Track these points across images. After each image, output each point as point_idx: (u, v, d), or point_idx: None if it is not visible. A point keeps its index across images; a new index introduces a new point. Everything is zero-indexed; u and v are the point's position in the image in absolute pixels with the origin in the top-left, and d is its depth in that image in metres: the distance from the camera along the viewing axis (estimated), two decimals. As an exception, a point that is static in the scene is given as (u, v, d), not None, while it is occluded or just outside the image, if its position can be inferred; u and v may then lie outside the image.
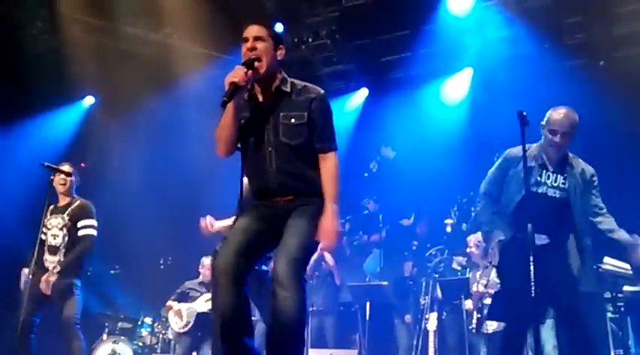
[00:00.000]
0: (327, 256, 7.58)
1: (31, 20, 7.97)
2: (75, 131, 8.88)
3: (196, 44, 8.82)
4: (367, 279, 8.13)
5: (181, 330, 7.31)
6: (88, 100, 9.20)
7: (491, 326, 6.24)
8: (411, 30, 8.52)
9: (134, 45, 8.66)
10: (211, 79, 8.25)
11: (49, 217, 5.63)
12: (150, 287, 8.00)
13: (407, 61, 9.01)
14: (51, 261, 5.51)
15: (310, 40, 8.81)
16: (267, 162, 3.11)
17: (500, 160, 4.44)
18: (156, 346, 7.54)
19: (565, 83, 7.39)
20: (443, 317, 6.88)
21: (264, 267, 4.49)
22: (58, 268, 5.43)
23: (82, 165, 6.36)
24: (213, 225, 4.97)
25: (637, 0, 7.43)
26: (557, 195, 4.19)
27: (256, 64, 3.08)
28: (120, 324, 7.62)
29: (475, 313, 6.43)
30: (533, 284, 3.64)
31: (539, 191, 4.19)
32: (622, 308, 5.25)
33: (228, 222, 4.82)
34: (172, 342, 7.45)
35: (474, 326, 6.42)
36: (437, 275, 7.01)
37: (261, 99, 3.21)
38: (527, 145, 3.98)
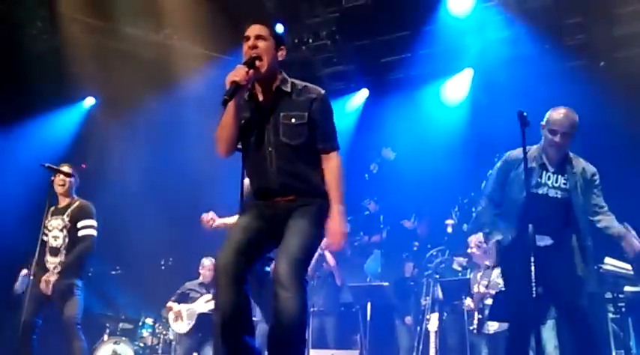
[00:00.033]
0: (328, 257, 7.59)
1: (31, 20, 7.96)
2: (75, 132, 8.88)
3: (196, 45, 8.82)
4: (368, 280, 8.13)
5: (181, 332, 7.32)
6: (89, 101, 9.19)
7: (493, 326, 6.24)
8: (411, 31, 8.52)
9: (134, 46, 8.66)
10: (211, 80, 8.25)
11: (49, 218, 5.63)
12: (151, 288, 8.00)
13: (407, 61, 9.01)
14: (52, 262, 5.51)
15: (310, 40, 8.81)
16: (268, 162, 3.11)
17: (500, 163, 4.45)
18: (157, 347, 7.54)
19: (565, 84, 7.39)
20: (444, 317, 6.87)
21: (267, 268, 4.49)
22: (59, 268, 5.43)
23: (83, 166, 6.36)
24: (215, 220, 4.99)
25: (637, 1, 7.43)
26: (559, 196, 4.18)
27: (257, 62, 3.08)
28: (121, 325, 7.62)
29: (476, 313, 6.42)
30: (534, 284, 3.64)
31: (540, 192, 4.19)
32: (623, 309, 5.25)
33: (231, 219, 4.83)
34: (173, 343, 7.46)
35: (475, 326, 6.42)
36: (438, 276, 7.01)
37: (261, 99, 3.21)
38: (527, 147, 3.98)
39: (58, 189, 5.67)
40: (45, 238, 5.51)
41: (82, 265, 5.57)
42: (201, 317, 7.25)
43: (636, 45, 7.73)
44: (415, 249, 7.97)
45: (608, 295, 5.31)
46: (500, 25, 8.13)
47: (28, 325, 5.26)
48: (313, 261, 7.27)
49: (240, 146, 3.23)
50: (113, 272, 7.74)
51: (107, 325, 7.42)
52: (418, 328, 6.94)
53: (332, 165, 3.18)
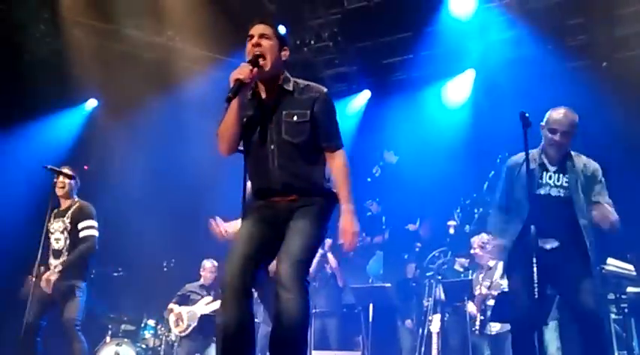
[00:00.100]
0: (330, 258, 7.59)
1: (33, 23, 7.97)
2: (77, 134, 8.88)
3: (199, 47, 8.83)
4: (370, 281, 8.12)
5: (182, 334, 7.33)
6: (91, 103, 9.20)
7: (495, 327, 6.23)
8: (413, 32, 8.52)
9: (136, 48, 8.67)
10: (214, 82, 8.26)
11: (52, 221, 5.64)
12: (153, 290, 8.00)
13: (409, 63, 9.02)
14: (55, 264, 5.53)
15: (312, 42, 8.82)
16: (270, 161, 3.11)
17: (504, 170, 4.45)
18: (159, 348, 7.54)
19: (567, 85, 7.38)
20: (446, 318, 6.86)
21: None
22: (60, 268, 5.43)
23: (85, 167, 6.37)
24: (228, 231, 4.99)
25: (639, 1, 7.43)
26: (561, 194, 4.16)
27: (261, 61, 3.10)
28: (123, 326, 7.62)
29: (478, 315, 6.42)
30: (536, 286, 3.64)
31: (542, 192, 4.18)
32: (625, 310, 5.24)
33: (238, 224, 4.83)
34: (176, 344, 7.46)
35: (477, 327, 6.41)
36: (440, 277, 7.00)
37: (264, 97, 3.22)
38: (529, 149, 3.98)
39: (59, 192, 5.69)
40: (48, 241, 5.52)
41: (83, 265, 5.58)
42: (203, 318, 7.26)
43: (638, 45, 7.72)
44: (417, 250, 7.96)
45: (611, 296, 5.31)
46: (502, 26, 8.14)
47: (32, 327, 5.27)
48: (315, 263, 7.28)
49: (241, 147, 3.24)
50: (115, 274, 7.74)
51: (109, 326, 7.42)
52: (420, 329, 6.93)
53: (338, 164, 3.18)
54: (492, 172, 7.11)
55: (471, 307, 6.46)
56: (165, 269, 8.01)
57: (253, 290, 3.03)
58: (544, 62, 8.02)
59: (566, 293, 4.18)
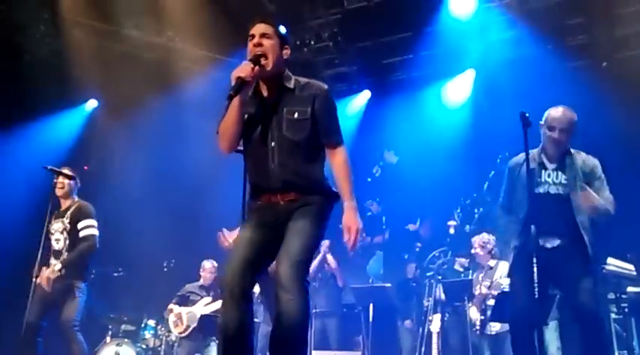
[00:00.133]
0: (330, 258, 7.60)
1: (33, 24, 7.96)
2: (78, 134, 8.87)
3: (199, 47, 8.83)
4: (370, 281, 8.13)
5: (181, 335, 7.33)
6: (91, 103, 9.20)
7: (495, 327, 6.23)
8: (413, 32, 8.53)
9: (137, 48, 8.67)
10: (214, 82, 8.26)
11: (52, 222, 5.64)
12: (153, 290, 8.00)
13: (409, 63, 9.02)
14: (55, 265, 5.51)
15: (312, 42, 8.82)
16: (270, 158, 3.11)
17: (506, 172, 4.46)
18: (159, 348, 7.53)
19: (568, 84, 7.38)
20: (445, 318, 6.86)
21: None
22: (59, 266, 5.42)
23: (85, 168, 6.37)
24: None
25: (639, 1, 7.43)
26: (561, 191, 4.16)
27: (262, 60, 3.11)
28: (123, 327, 7.61)
29: (478, 314, 6.41)
30: (537, 285, 3.64)
31: (542, 191, 4.18)
32: (626, 309, 5.25)
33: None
34: (176, 345, 7.46)
35: (477, 327, 6.41)
36: (440, 277, 7.00)
37: (265, 95, 3.23)
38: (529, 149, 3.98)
39: (58, 192, 5.69)
40: (49, 242, 5.52)
41: (83, 265, 5.58)
42: (203, 318, 7.26)
43: (638, 45, 7.72)
44: (417, 250, 7.96)
45: (611, 295, 5.31)
46: (502, 26, 8.14)
47: (33, 327, 5.27)
48: (315, 263, 7.29)
49: (240, 148, 3.24)
50: (115, 274, 7.73)
51: (109, 327, 7.41)
52: (420, 329, 6.93)
53: (339, 160, 3.18)
54: (492, 172, 7.12)
55: (473, 313, 6.43)
56: (165, 269, 8.01)
57: (257, 287, 3.05)
58: (544, 62, 8.02)
59: (567, 292, 4.18)
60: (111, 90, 8.62)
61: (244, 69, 3.04)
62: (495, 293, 6.09)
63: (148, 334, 7.61)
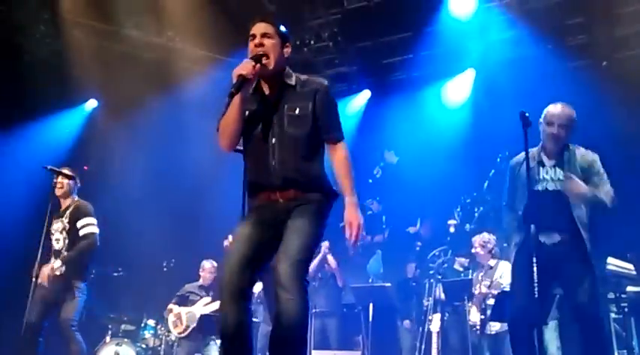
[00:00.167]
0: (330, 258, 7.60)
1: (33, 24, 7.97)
2: (77, 134, 8.88)
3: (199, 47, 8.84)
4: (370, 280, 8.13)
5: (181, 335, 7.33)
6: (91, 103, 9.20)
7: (495, 327, 6.23)
8: (413, 32, 8.53)
9: (136, 48, 8.67)
10: (214, 82, 8.27)
11: (52, 222, 5.64)
12: (152, 290, 8.00)
13: (409, 63, 9.02)
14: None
15: (312, 42, 8.82)
16: (270, 155, 3.11)
17: (507, 172, 4.47)
18: (159, 348, 7.54)
19: (568, 84, 7.38)
20: (445, 318, 6.86)
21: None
22: (59, 263, 5.41)
23: (85, 168, 6.37)
24: None
25: (639, 1, 7.43)
26: (559, 188, 4.15)
27: (264, 60, 3.11)
28: (123, 326, 7.61)
29: (478, 314, 6.41)
30: (536, 284, 3.64)
31: (541, 188, 4.18)
32: (625, 309, 5.25)
33: None
34: (175, 344, 7.46)
35: (477, 327, 6.41)
36: (440, 277, 7.00)
37: (267, 92, 3.24)
38: (529, 149, 3.98)
39: (58, 192, 5.69)
40: (49, 242, 5.52)
41: (83, 265, 5.57)
42: (203, 318, 7.26)
43: (638, 45, 7.73)
44: (417, 249, 7.96)
45: (611, 295, 5.31)
46: (502, 26, 8.14)
47: (34, 327, 5.27)
48: (315, 262, 7.28)
49: (239, 147, 3.24)
50: (115, 274, 7.73)
51: (109, 326, 7.42)
52: (420, 329, 6.93)
53: (340, 156, 3.19)
54: (492, 171, 7.13)
55: (474, 316, 6.42)
56: (165, 269, 8.01)
57: (257, 287, 3.04)
58: (544, 62, 8.02)
59: (567, 292, 4.18)
60: (111, 90, 8.62)
61: (246, 66, 3.05)
62: (495, 292, 6.09)
63: (147, 334, 7.61)
